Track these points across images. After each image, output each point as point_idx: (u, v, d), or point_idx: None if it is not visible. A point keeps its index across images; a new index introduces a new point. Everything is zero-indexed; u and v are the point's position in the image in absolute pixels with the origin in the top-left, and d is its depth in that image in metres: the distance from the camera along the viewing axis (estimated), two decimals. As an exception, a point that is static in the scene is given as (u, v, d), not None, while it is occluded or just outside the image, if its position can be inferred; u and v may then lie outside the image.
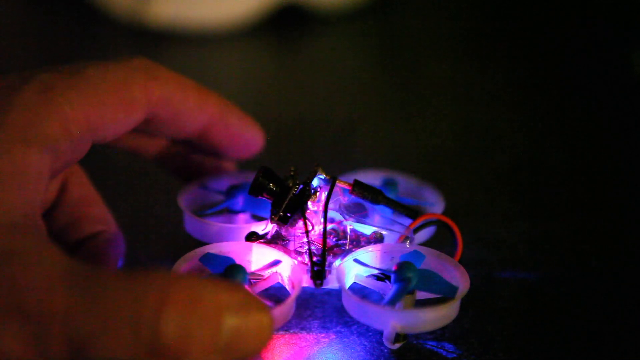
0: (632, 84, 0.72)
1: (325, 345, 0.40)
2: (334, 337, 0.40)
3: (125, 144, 0.44)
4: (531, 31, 0.84)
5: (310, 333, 0.41)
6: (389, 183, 0.46)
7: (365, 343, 0.40)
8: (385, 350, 0.39)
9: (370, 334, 0.40)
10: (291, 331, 0.41)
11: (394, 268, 0.39)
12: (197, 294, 0.31)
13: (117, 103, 0.38)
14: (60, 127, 0.35)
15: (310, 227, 0.40)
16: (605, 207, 0.53)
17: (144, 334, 0.30)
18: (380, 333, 0.40)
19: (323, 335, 0.41)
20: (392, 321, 0.37)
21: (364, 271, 0.40)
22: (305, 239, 0.40)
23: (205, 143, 0.44)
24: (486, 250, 0.48)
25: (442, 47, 0.82)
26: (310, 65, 0.80)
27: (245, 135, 0.44)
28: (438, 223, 0.42)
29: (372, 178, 0.46)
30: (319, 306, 0.42)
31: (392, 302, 0.38)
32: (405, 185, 0.47)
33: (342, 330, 0.41)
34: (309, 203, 0.41)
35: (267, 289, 0.40)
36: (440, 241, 0.43)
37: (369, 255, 0.40)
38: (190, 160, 0.46)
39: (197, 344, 0.30)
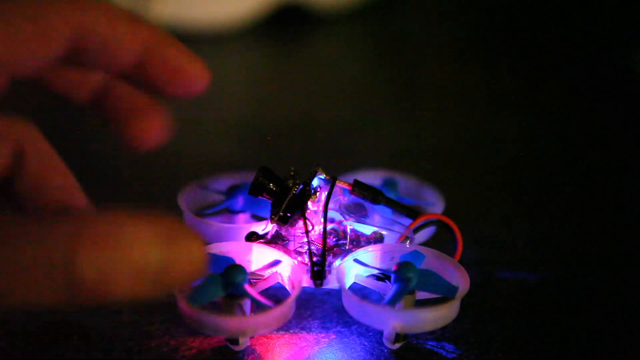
0: (632, 84, 0.72)
1: (325, 345, 0.40)
2: (334, 337, 0.40)
3: (54, 83, 0.41)
4: (531, 31, 0.84)
5: (310, 333, 0.41)
6: (389, 183, 0.46)
7: (365, 343, 0.40)
8: (385, 350, 0.39)
9: (370, 334, 0.40)
10: (291, 331, 0.41)
11: (394, 268, 0.39)
12: (115, 231, 0.30)
13: (32, 34, 0.35)
14: None
15: (310, 227, 0.40)
16: (605, 207, 0.53)
17: (58, 277, 0.29)
18: (380, 333, 0.40)
19: (323, 335, 0.41)
20: (393, 321, 0.37)
21: (364, 271, 0.40)
22: (305, 239, 0.40)
23: (142, 78, 0.40)
24: (486, 250, 0.48)
25: (442, 47, 0.82)
26: (310, 65, 0.80)
27: (186, 70, 0.40)
28: (438, 223, 0.42)
29: (372, 178, 0.46)
30: (319, 306, 0.42)
31: (392, 302, 0.38)
32: (405, 185, 0.47)
33: (342, 330, 0.41)
34: (309, 203, 0.41)
35: (267, 289, 0.40)
36: (440, 241, 0.43)
37: (369, 255, 0.40)
38: (127, 100, 0.42)
39: (120, 280, 0.30)
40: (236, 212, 0.45)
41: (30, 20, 0.35)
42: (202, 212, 0.44)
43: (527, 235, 0.50)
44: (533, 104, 0.70)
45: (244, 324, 0.37)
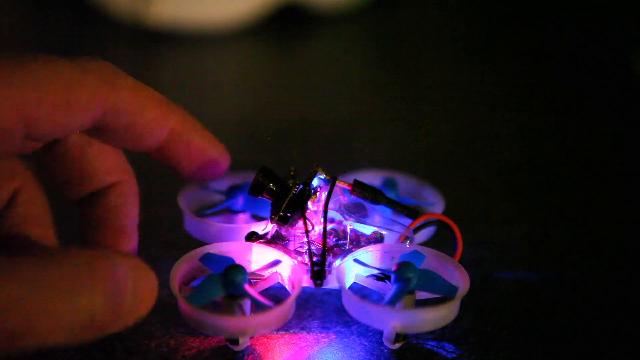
0: (632, 84, 0.72)
1: (325, 345, 0.40)
2: (334, 337, 0.40)
3: (73, 146, 0.41)
4: (531, 31, 0.84)
5: (310, 333, 0.41)
6: (389, 183, 0.46)
7: (365, 343, 0.40)
8: (385, 350, 0.39)
9: (370, 334, 0.40)
10: (291, 331, 0.41)
11: (394, 268, 0.39)
12: (113, 268, 0.33)
13: (57, 103, 0.35)
14: None
15: (310, 227, 0.40)
16: (605, 207, 0.53)
17: (80, 315, 0.31)
18: (380, 333, 0.40)
19: (323, 335, 0.41)
20: (393, 321, 0.37)
21: (363, 271, 0.40)
22: (305, 239, 0.40)
23: (163, 159, 0.41)
24: (486, 250, 0.48)
25: (442, 47, 0.82)
26: (310, 65, 0.80)
27: (208, 156, 0.41)
28: (438, 223, 0.42)
29: (371, 178, 0.46)
30: (319, 306, 0.42)
31: (393, 302, 0.38)
32: (405, 185, 0.47)
33: (342, 330, 0.41)
34: (309, 203, 0.41)
35: (267, 289, 0.40)
36: (440, 241, 0.43)
37: (369, 255, 0.40)
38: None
39: (113, 315, 0.32)
40: (236, 212, 0.45)
41: (60, 89, 0.36)
42: (202, 212, 0.44)
43: (526, 235, 0.50)
44: (533, 104, 0.70)
45: (244, 324, 0.37)
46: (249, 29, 0.80)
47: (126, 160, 0.41)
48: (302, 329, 0.41)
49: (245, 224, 0.43)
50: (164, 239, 0.48)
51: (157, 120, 0.39)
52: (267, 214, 0.43)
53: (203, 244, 0.41)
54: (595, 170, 0.59)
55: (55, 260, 0.31)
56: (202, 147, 0.41)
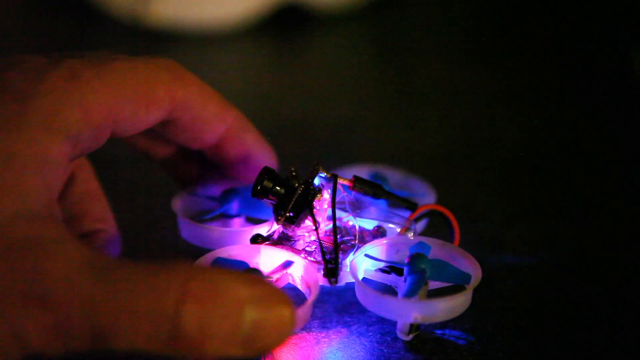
0: (632, 83, 0.72)
1: (325, 345, 0.40)
2: (334, 337, 0.40)
3: (139, 143, 0.44)
4: (531, 30, 0.84)
5: (310, 333, 0.41)
6: (379, 177, 0.46)
7: (365, 343, 0.40)
8: (386, 350, 0.39)
9: (370, 334, 0.40)
10: (291, 331, 0.41)
11: (406, 260, 0.39)
12: (218, 288, 0.31)
13: (140, 99, 0.37)
14: (82, 115, 0.35)
15: (317, 226, 0.40)
16: (606, 207, 0.53)
17: (164, 327, 0.30)
18: (380, 333, 0.40)
19: (323, 335, 0.41)
20: (414, 312, 0.37)
21: (371, 265, 0.40)
22: (313, 238, 0.40)
23: (218, 157, 0.43)
24: (486, 250, 0.48)
25: (441, 47, 0.82)
26: (310, 65, 0.80)
27: (260, 156, 0.43)
28: (435, 213, 0.43)
29: (358, 173, 0.46)
30: (319, 306, 0.42)
31: (411, 293, 0.38)
32: (393, 178, 0.47)
33: (342, 330, 0.41)
34: (314, 202, 0.40)
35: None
36: (435, 232, 0.43)
37: (376, 249, 0.40)
38: (196, 174, 0.45)
39: (217, 337, 0.31)
40: (231, 217, 0.44)
41: (141, 85, 0.37)
42: (198, 218, 0.44)
43: (527, 235, 0.50)
44: (533, 103, 0.70)
45: None
46: (249, 28, 0.80)
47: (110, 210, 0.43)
48: (302, 329, 0.41)
49: (242, 227, 0.43)
50: (163, 242, 0.48)
51: (218, 116, 0.41)
52: (263, 216, 0.43)
53: (200, 249, 0.41)
54: (595, 169, 0.59)
55: (154, 270, 0.31)
56: (256, 146, 0.43)
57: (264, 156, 0.43)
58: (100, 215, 0.43)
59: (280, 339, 0.33)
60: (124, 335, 0.30)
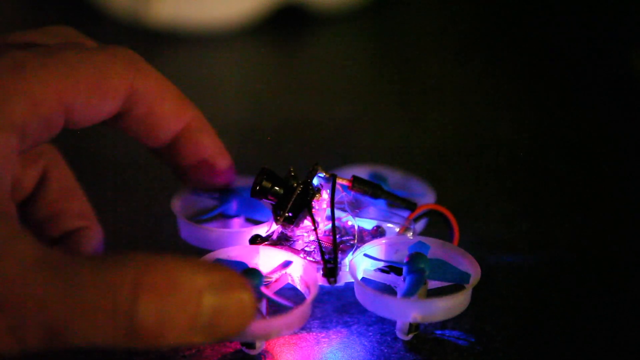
0: (632, 83, 0.72)
1: (325, 345, 0.40)
2: (334, 337, 0.40)
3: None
4: (531, 30, 0.84)
5: (310, 333, 0.41)
6: (378, 177, 0.46)
7: (365, 343, 0.40)
8: (386, 350, 0.39)
9: (370, 334, 0.40)
10: (291, 331, 0.41)
11: (405, 260, 0.39)
12: (173, 277, 0.31)
13: (92, 88, 0.36)
14: (29, 107, 0.34)
15: (315, 226, 0.40)
16: (606, 207, 0.53)
17: (120, 322, 0.30)
18: (380, 333, 0.40)
19: (323, 335, 0.40)
20: (414, 312, 0.37)
21: (371, 265, 0.40)
22: (312, 238, 0.40)
23: (171, 157, 0.41)
24: (485, 250, 0.47)
25: (441, 47, 0.82)
26: (309, 65, 0.80)
27: (216, 163, 0.41)
28: (434, 213, 0.43)
29: (357, 173, 0.46)
30: (319, 306, 0.42)
31: (410, 293, 0.38)
32: (391, 178, 0.47)
33: (342, 330, 0.41)
34: (313, 202, 0.40)
35: (279, 290, 0.39)
36: (433, 232, 0.43)
37: (375, 249, 0.40)
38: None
39: (176, 327, 0.31)
40: (230, 217, 0.44)
41: (94, 75, 0.36)
42: (197, 218, 0.44)
43: (527, 235, 0.50)
44: (533, 103, 0.70)
45: (268, 326, 0.37)
46: (249, 29, 0.80)
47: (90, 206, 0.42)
48: (302, 329, 0.41)
49: (241, 228, 0.43)
50: (160, 244, 0.48)
51: (175, 112, 0.39)
52: (262, 216, 0.43)
53: (200, 250, 0.41)
54: (595, 169, 0.58)
55: (107, 264, 0.31)
56: (211, 151, 0.41)
57: (220, 161, 0.41)
58: (79, 211, 0.42)
59: (242, 324, 0.33)
60: (81, 332, 0.30)
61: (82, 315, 0.30)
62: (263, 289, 0.38)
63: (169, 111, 0.39)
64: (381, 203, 0.43)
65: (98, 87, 0.36)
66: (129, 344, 0.30)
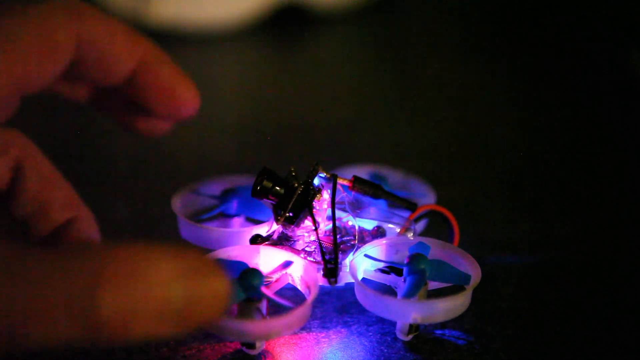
0: (632, 83, 0.72)
1: (325, 345, 0.40)
2: (334, 337, 0.40)
3: (55, 91, 0.40)
4: (531, 30, 0.84)
5: (310, 333, 0.41)
6: (379, 178, 0.46)
7: (365, 343, 0.40)
8: (385, 350, 0.39)
9: (370, 334, 0.40)
10: (291, 331, 0.41)
11: (406, 261, 0.39)
12: (137, 266, 0.29)
13: (40, 52, 0.34)
14: None
15: (316, 226, 0.40)
16: (606, 207, 0.53)
17: (80, 317, 0.28)
18: (380, 333, 0.40)
19: (323, 335, 0.41)
20: (414, 313, 0.37)
21: (371, 265, 0.40)
22: (312, 238, 0.40)
23: (133, 94, 0.39)
24: (486, 250, 0.48)
25: (442, 47, 0.82)
26: (310, 65, 0.80)
27: (177, 92, 0.39)
28: (434, 213, 0.43)
29: (357, 173, 0.46)
30: (319, 306, 0.42)
31: (411, 294, 0.38)
32: (392, 178, 0.47)
33: (342, 330, 0.41)
34: (314, 202, 0.40)
35: (279, 290, 0.40)
36: (434, 233, 0.43)
37: (376, 249, 0.40)
38: (126, 106, 0.41)
39: (144, 318, 0.29)
40: (231, 216, 0.44)
41: (38, 36, 0.34)
42: (197, 217, 0.44)
43: (527, 235, 0.50)
44: (533, 103, 0.70)
45: (268, 326, 0.37)
46: (249, 29, 0.80)
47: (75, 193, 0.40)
48: (302, 329, 0.41)
49: (242, 228, 0.43)
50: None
51: (127, 49, 0.38)
52: (263, 216, 0.43)
53: (200, 248, 0.41)
54: (595, 169, 0.59)
55: (61, 256, 0.28)
56: (172, 80, 0.39)
57: (181, 90, 0.39)
58: (65, 201, 0.39)
59: (217, 312, 0.30)
60: (40, 331, 0.28)
61: (38, 313, 0.27)
62: (263, 289, 0.38)
63: (120, 49, 0.38)
64: (382, 203, 0.43)
65: (46, 46, 0.35)
66: (92, 340, 0.28)
